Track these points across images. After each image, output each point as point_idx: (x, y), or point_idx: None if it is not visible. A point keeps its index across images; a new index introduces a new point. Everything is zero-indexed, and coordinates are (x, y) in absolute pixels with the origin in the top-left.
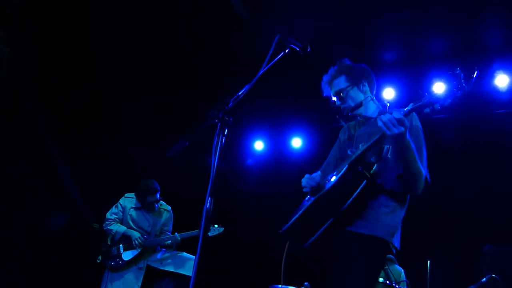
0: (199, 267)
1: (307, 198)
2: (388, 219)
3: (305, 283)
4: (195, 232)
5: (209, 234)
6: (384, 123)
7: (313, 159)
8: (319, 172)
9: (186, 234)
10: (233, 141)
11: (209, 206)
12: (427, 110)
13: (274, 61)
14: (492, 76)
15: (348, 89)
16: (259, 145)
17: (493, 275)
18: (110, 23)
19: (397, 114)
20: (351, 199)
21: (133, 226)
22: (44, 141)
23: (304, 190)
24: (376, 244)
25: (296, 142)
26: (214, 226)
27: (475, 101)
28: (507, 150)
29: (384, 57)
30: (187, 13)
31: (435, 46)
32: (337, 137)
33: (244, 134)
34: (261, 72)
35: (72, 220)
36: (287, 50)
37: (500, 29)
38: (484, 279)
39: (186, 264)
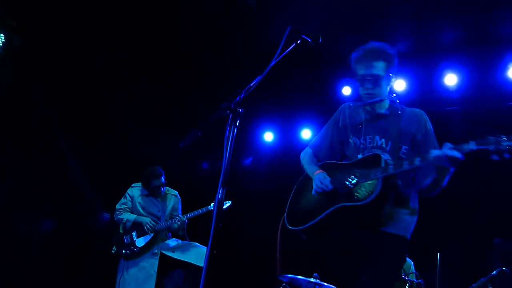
0: (211, 257)
1: (313, 192)
2: (409, 218)
3: (314, 273)
4: (200, 210)
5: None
6: (448, 159)
7: None
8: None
9: (191, 214)
10: (243, 132)
11: (221, 196)
12: (495, 157)
13: (285, 52)
14: (505, 68)
15: (383, 78)
16: (269, 136)
17: (504, 268)
18: (110, 22)
19: (453, 152)
20: (384, 210)
21: (143, 213)
22: (50, 139)
23: (316, 188)
24: (401, 241)
25: (306, 134)
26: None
27: (488, 93)
28: None
29: (395, 48)
30: (187, 12)
31: (445, 37)
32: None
33: (254, 125)
34: (273, 63)
35: (72, 219)
36: (298, 41)
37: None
38: (494, 272)
39: (198, 254)
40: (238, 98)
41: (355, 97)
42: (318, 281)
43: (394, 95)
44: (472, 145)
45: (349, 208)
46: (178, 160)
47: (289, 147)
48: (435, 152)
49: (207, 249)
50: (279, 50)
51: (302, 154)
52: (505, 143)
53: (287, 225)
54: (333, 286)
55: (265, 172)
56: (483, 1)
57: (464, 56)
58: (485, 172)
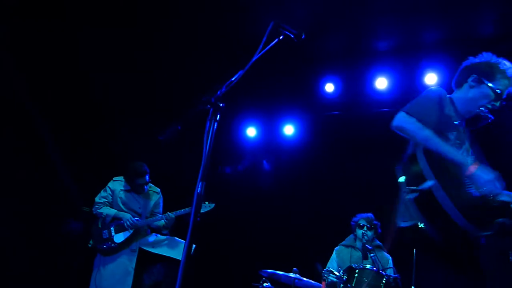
0: (189, 251)
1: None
2: None
3: (294, 268)
4: (188, 209)
5: (201, 210)
6: None
7: (305, 146)
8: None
9: (179, 212)
10: (226, 127)
11: (200, 190)
12: None
13: (268, 47)
14: None
15: None
16: (251, 132)
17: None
18: (94, 10)
19: None
20: None
21: (124, 209)
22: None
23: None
24: None
25: (289, 129)
26: (204, 203)
27: None
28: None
29: (377, 45)
30: (169, 5)
31: (428, 36)
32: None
33: (237, 120)
34: (254, 58)
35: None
36: (281, 37)
37: (492, 19)
38: None
39: (178, 248)
40: (218, 92)
41: (339, 94)
42: (297, 276)
43: None
44: None
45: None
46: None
47: (271, 143)
48: None
49: (185, 243)
50: (261, 45)
51: (409, 123)
52: None
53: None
54: (312, 281)
55: (247, 166)
56: (464, 2)
57: (444, 56)
58: None
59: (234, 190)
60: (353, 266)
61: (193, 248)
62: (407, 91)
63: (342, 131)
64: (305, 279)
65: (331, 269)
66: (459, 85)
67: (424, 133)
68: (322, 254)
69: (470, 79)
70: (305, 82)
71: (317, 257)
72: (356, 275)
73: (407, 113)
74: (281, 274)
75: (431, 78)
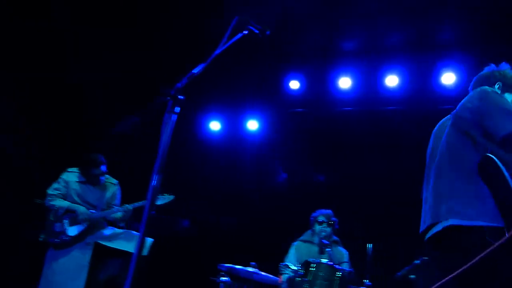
0: (142, 244)
1: None
2: None
3: (252, 262)
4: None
5: (159, 202)
6: None
7: (269, 142)
8: None
9: (137, 204)
10: (189, 120)
11: (156, 183)
12: None
13: (231, 41)
14: (440, 73)
15: None
16: (215, 126)
17: (424, 257)
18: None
19: None
20: None
21: (78, 201)
22: None
23: None
24: None
25: (252, 125)
26: (163, 195)
27: (424, 96)
28: None
29: (343, 45)
30: None
31: (390, 39)
32: None
33: (200, 114)
34: (217, 52)
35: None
36: (245, 32)
37: (450, 28)
38: (417, 261)
39: (136, 242)
40: (179, 85)
41: (303, 91)
42: (256, 270)
43: None
44: None
45: None
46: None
47: (235, 138)
48: None
49: (139, 236)
50: (224, 39)
51: None
52: None
53: None
54: (269, 275)
55: (210, 160)
56: (427, 9)
57: (405, 58)
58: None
59: (193, 183)
60: (310, 260)
61: (150, 243)
62: (369, 91)
63: (305, 128)
64: (263, 273)
65: (288, 264)
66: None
67: None
68: (281, 249)
69: (496, 86)
70: (270, 78)
71: (276, 252)
72: (312, 269)
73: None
74: (239, 268)
75: (392, 80)
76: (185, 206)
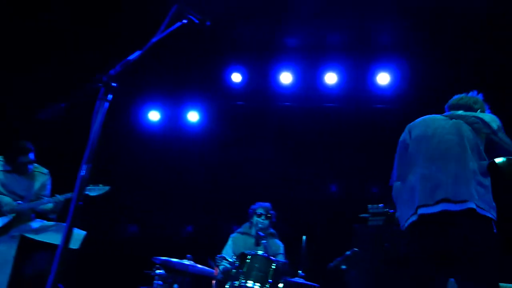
0: (68, 236)
1: None
2: None
3: (188, 255)
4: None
5: (93, 193)
6: None
7: (209, 134)
8: None
9: (69, 194)
10: (127, 109)
11: (85, 173)
12: None
13: (169, 30)
14: (375, 73)
15: None
16: (154, 116)
17: (355, 249)
18: None
19: None
20: None
21: (3, 191)
22: None
23: None
24: None
25: (193, 116)
26: (98, 186)
27: (360, 94)
28: (384, 140)
29: (286, 41)
30: None
31: (333, 38)
32: None
33: (139, 103)
34: (154, 40)
35: None
36: (184, 21)
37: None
38: (348, 252)
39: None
40: (112, 71)
41: (245, 84)
42: (191, 262)
43: None
44: None
45: None
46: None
47: (175, 128)
48: None
49: (65, 227)
50: (162, 27)
51: None
52: None
53: None
54: (205, 267)
55: (148, 151)
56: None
57: (344, 57)
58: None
59: (129, 175)
60: (246, 252)
61: (83, 236)
62: (309, 87)
63: (246, 121)
64: (199, 265)
65: (224, 256)
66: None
67: None
68: (218, 241)
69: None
70: (213, 70)
71: (213, 244)
72: (248, 260)
73: None
74: (175, 261)
75: (331, 78)
76: (121, 197)
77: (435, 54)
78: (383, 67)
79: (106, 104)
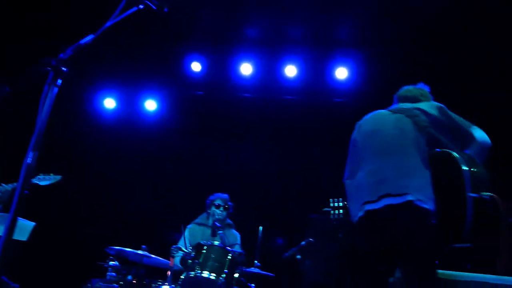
0: (12, 226)
1: None
2: None
3: (143, 246)
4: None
5: (44, 183)
6: None
7: (168, 123)
8: None
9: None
10: (81, 95)
11: (31, 161)
12: None
13: (124, 14)
14: (334, 68)
15: None
16: (109, 103)
17: (310, 239)
18: None
19: None
20: None
21: None
22: None
23: None
24: None
25: (150, 105)
26: (49, 175)
27: (320, 88)
28: (342, 134)
29: (247, 32)
30: None
31: (294, 31)
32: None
33: (94, 90)
34: (108, 24)
35: None
36: (141, 6)
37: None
38: (303, 242)
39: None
40: (62, 55)
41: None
42: (146, 253)
43: None
44: None
45: None
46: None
47: (131, 117)
48: None
49: (8, 217)
50: (117, 11)
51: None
52: None
53: None
54: (160, 258)
55: (103, 138)
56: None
57: (303, 51)
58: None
59: (82, 163)
60: (202, 242)
61: (31, 227)
62: (269, 79)
63: (205, 111)
64: (154, 256)
65: (180, 246)
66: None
67: None
68: (174, 232)
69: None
70: (172, 58)
71: (169, 235)
72: (204, 251)
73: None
74: (129, 251)
75: (291, 70)
76: (74, 186)
77: (391, 50)
78: (342, 62)
79: (55, 90)
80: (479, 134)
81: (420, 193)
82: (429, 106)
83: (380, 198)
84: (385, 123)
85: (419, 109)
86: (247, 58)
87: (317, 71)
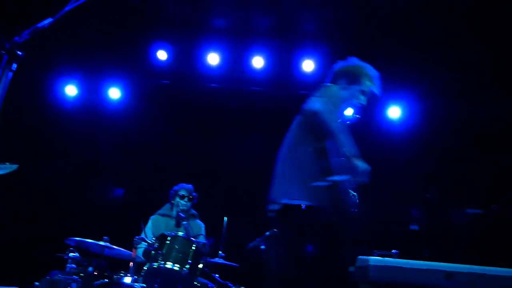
0: None
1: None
2: None
3: (104, 237)
4: None
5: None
6: None
7: (131, 112)
8: None
9: None
10: (41, 81)
11: None
12: None
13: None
14: (301, 60)
15: None
16: (71, 90)
17: (275, 229)
18: None
19: None
20: None
21: None
22: None
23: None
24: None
25: (114, 93)
26: (5, 164)
27: (286, 80)
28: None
29: (213, 22)
30: None
31: (261, 22)
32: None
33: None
34: (68, 8)
35: None
36: None
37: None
38: (267, 232)
39: None
40: (17, 38)
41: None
42: (108, 244)
43: None
44: None
45: None
46: None
47: (93, 104)
48: None
49: None
50: None
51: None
52: None
53: None
54: (122, 249)
55: (64, 127)
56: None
57: (271, 42)
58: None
59: (42, 151)
60: (166, 233)
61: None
62: (236, 70)
63: (170, 101)
64: (115, 247)
65: (143, 237)
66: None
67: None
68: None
69: (342, 82)
70: (137, 46)
71: (132, 226)
72: (168, 242)
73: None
74: (90, 242)
75: (258, 62)
76: (34, 175)
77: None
78: (308, 54)
79: (10, 74)
80: None
81: (295, 195)
82: (312, 103)
83: (269, 202)
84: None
85: (306, 108)
86: (214, 48)
87: (283, 63)
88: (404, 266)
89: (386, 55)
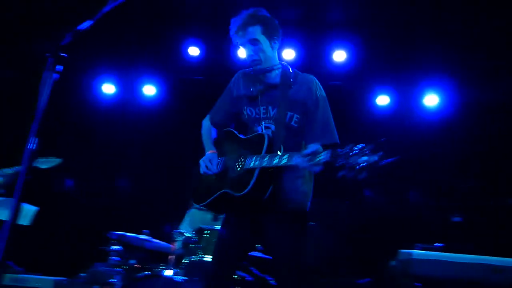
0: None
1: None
2: (305, 188)
3: (144, 230)
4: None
5: (44, 166)
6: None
7: (166, 108)
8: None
9: (18, 168)
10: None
11: (33, 146)
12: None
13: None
14: (331, 51)
15: (261, 42)
16: (108, 89)
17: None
18: None
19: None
20: (263, 199)
21: None
22: None
23: (204, 170)
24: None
25: (149, 90)
26: (49, 158)
27: (318, 71)
28: None
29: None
30: None
31: (288, 14)
32: (226, 83)
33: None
34: (105, 10)
35: None
36: None
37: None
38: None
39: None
40: (60, 41)
41: (203, 58)
42: (148, 237)
43: (284, 62)
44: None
45: (231, 195)
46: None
47: (130, 102)
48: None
49: (13, 202)
50: None
51: (202, 125)
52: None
53: (192, 200)
54: (162, 242)
55: (103, 124)
56: None
57: (301, 34)
58: None
59: (83, 149)
60: (203, 227)
61: (34, 211)
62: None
63: (204, 96)
64: (156, 240)
65: (182, 231)
66: None
67: (202, 134)
68: (176, 216)
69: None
70: (169, 43)
71: (170, 219)
72: (206, 235)
73: (208, 115)
74: (131, 236)
75: (289, 54)
76: (74, 170)
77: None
78: (340, 45)
79: (55, 76)
80: None
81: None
82: None
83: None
84: None
85: None
86: None
87: (314, 54)
88: (448, 260)
89: (423, 42)
